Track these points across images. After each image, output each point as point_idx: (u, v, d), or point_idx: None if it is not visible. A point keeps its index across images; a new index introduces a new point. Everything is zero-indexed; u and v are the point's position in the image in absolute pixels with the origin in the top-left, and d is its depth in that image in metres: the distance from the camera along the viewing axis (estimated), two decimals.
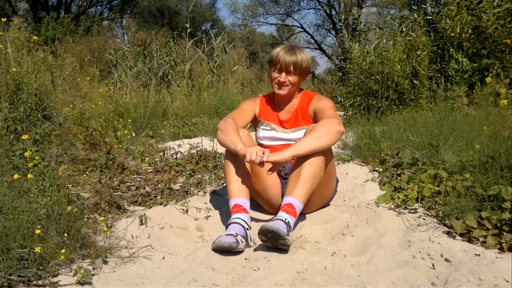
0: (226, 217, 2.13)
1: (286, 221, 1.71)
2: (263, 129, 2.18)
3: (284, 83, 2.07)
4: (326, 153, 1.86)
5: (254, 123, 2.27)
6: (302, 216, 2.09)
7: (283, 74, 2.06)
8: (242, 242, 1.72)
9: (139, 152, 3.24)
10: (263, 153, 1.77)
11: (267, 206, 2.18)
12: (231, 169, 1.95)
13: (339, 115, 2.11)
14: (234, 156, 1.94)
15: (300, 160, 1.82)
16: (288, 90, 2.09)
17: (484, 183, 1.86)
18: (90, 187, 2.20)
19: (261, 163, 1.77)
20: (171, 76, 6.94)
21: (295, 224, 1.93)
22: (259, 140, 2.19)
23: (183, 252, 1.74)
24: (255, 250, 1.74)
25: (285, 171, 2.13)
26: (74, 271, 1.46)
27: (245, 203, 1.89)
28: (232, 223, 1.79)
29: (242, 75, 7.71)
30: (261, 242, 1.76)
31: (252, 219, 1.96)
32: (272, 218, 1.75)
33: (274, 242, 1.66)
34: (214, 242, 1.72)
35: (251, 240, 1.79)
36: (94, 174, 2.48)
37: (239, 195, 1.89)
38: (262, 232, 1.66)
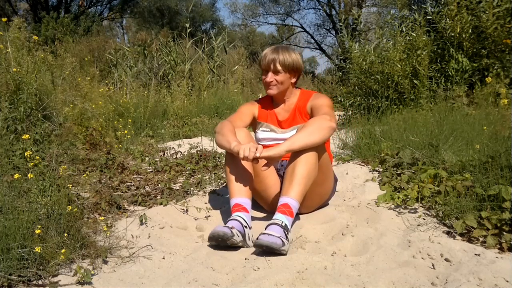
0: (226, 217, 2.13)
1: (283, 224, 1.70)
2: (263, 130, 2.19)
3: (271, 83, 2.07)
4: (318, 150, 1.86)
5: (254, 126, 2.27)
6: (302, 216, 2.09)
7: (269, 74, 2.06)
8: (238, 236, 1.71)
9: (139, 152, 3.24)
10: (256, 149, 1.77)
11: (266, 205, 2.18)
12: (231, 169, 1.95)
13: (339, 114, 2.11)
14: (233, 157, 1.93)
15: (293, 159, 1.83)
16: (278, 90, 2.09)
17: (484, 183, 1.86)
18: (90, 187, 2.20)
19: (255, 159, 1.78)
20: (171, 76, 6.94)
21: (294, 223, 1.93)
22: (258, 142, 2.20)
23: (183, 252, 1.74)
24: (255, 250, 1.74)
25: (283, 170, 2.13)
26: (74, 271, 1.46)
27: (246, 202, 1.89)
28: (230, 220, 1.80)
29: (242, 75, 7.71)
30: None
31: (252, 218, 1.96)
32: (269, 222, 1.75)
33: (269, 253, 1.65)
34: (210, 233, 1.73)
35: (249, 239, 1.78)
36: (94, 174, 2.48)
37: (239, 194, 1.89)
38: (257, 246, 1.65)
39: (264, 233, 1.65)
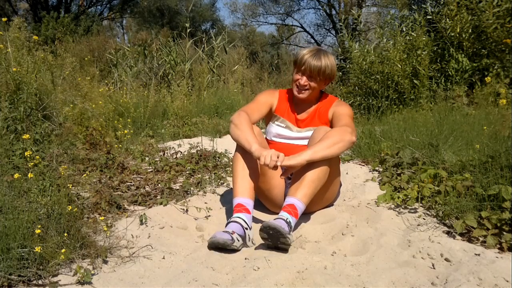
0: (226, 216, 2.13)
1: (288, 220, 1.71)
2: (278, 125, 2.14)
3: (304, 87, 2.03)
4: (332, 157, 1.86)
5: (268, 117, 2.21)
6: (302, 215, 2.09)
7: (305, 78, 2.02)
8: (238, 240, 1.71)
9: (139, 151, 3.24)
10: (278, 157, 1.75)
11: (270, 205, 2.18)
12: (240, 166, 1.92)
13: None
14: (245, 153, 1.91)
15: None
16: (308, 94, 2.05)
17: (484, 183, 1.86)
18: (90, 186, 2.20)
19: (275, 167, 1.75)
20: (171, 76, 6.94)
21: (296, 225, 1.93)
22: (270, 136, 2.16)
23: (183, 252, 1.74)
24: (255, 249, 1.74)
25: None
26: (74, 270, 1.46)
27: (248, 203, 1.87)
28: (231, 222, 1.79)
29: (242, 74, 7.70)
30: (261, 242, 1.76)
31: (254, 219, 1.96)
32: (274, 217, 1.75)
33: (274, 240, 1.66)
34: (209, 239, 1.72)
35: (249, 240, 1.78)
36: (94, 174, 2.48)
37: (243, 194, 1.88)
38: (264, 229, 1.65)
39: (270, 220, 1.67)
